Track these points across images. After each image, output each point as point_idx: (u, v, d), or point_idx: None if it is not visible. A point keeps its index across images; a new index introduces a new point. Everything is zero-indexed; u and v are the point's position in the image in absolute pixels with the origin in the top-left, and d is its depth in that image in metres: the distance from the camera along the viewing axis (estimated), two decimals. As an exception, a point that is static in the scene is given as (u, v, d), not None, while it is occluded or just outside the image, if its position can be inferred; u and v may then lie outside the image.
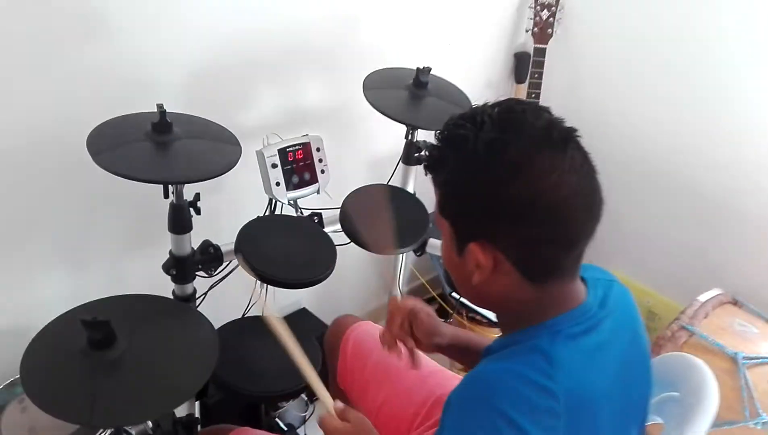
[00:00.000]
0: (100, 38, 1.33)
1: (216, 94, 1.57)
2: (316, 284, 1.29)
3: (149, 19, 1.39)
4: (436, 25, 2.04)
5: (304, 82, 1.76)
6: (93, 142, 1.16)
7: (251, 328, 1.31)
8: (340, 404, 0.94)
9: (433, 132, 0.85)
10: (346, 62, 1.78)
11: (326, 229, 1.52)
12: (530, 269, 0.79)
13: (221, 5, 1.48)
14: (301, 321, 1.98)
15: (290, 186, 1.52)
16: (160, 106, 1.21)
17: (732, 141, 1.97)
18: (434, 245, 1.65)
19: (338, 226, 1.51)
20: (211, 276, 1.44)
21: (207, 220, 1.36)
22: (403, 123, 1.54)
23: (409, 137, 1.68)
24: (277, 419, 1.74)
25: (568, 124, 0.80)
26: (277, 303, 1.95)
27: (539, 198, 0.74)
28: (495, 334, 1.13)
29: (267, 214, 1.56)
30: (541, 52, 2.18)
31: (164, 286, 1.39)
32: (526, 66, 2.27)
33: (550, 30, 2.17)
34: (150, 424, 1.13)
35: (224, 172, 1.19)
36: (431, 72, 1.60)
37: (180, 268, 1.34)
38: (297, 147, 1.52)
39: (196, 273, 1.40)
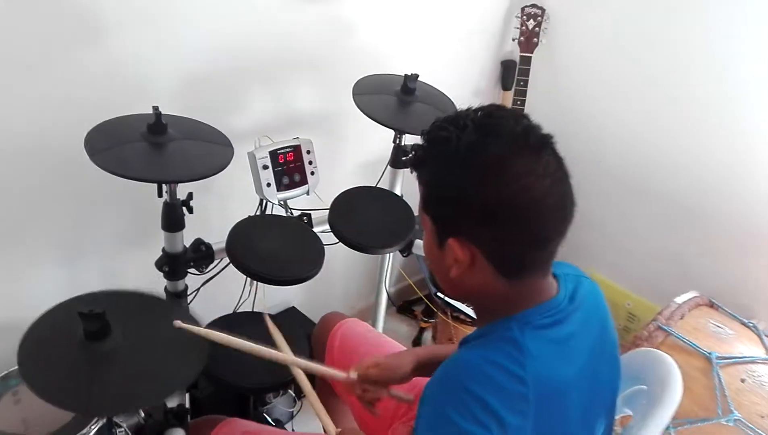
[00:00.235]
0: (98, 43, 1.37)
1: (210, 98, 1.61)
2: (304, 282, 1.33)
3: (145, 25, 1.43)
4: (426, 33, 2.08)
5: (295, 87, 1.80)
6: (90, 142, 1.20)
7: (240, 323, 1.35)
8: (339, 430, 1.00)
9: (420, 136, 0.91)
10: (337, 68, 1.83)
11: (315, 229, 1.57)
12: (504, 265, 0.84)
13: (215, 12, 1.52)
14: (290, 319, 2.03)
15: (281, 187, 1.57)
16: (155, 108, 1.26)
17: (707, 148, 2.03)
18: (420, 246, 1.70)
19: (327, 227, 1.56)
20: (202, 273, 1.48)
21: (199, 219, 1.41)
22: (391, 128, 1.59)
23: (397, 141, 1.73)
24: (265, 414, 1.78)
25: (546, 130, 0.85)
26: (267, 302, 1.99)
27: (513, 199, 0.79)
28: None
29: (258, 214, 1.60)
30: (526, 61, 2.24)
31: (157, 283, 1.44)
32: (512, 74, 2.33)
33: (535, 39, 2.23)
34: (142, 414, 1.17)
35: (217, 173, 1.23)
36: (420, 79, 1.66)
37: (172, 265, 1.39)
38: (288, 149, 1.57)
39: (188, 270, 1.44)
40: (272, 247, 1.37)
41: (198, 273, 1.47)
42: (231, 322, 1.36)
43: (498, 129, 0.81)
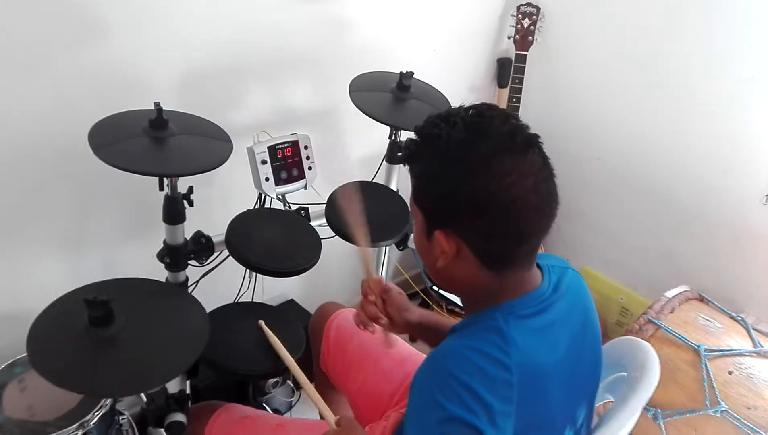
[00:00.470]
0: (100, 41, 1.41)
1: (210, 94, 1.65)
2: (301, 273, 1.37)
3: (147, 23, 1.47)
4: (422, 31, 2.12)
5: (294, 84, 1.84)
6: (94, 137, 1.24)
7: (239, 312, 1.40)
8: (337, 417, 1.04)
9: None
10: (335, 65, 1.86)
11: (313, 223, 1.60)
12: (488, 258, 0.88)
13: (215, 11, 1.56)
14: (288, 311, 2.07)
15: (279, 181, 1.61)
16: (157, 104, 1.29)
17: (700, 145, 2.07)
18: (415, 240, 1.74)
19: (324, 220, 1.60)
20: (202, 265, 1.52)
21: (200, 212, 1.45)
22: (387, 124, 1.62)
23: (393, 137, 1.76)
24: (264, 404, 1.82)
25: (533, 130, 0.88)
26: (266, 294, 2.04)
27: (498, 196, 0.83)
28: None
29: (256, 207, 1.64)
30: (522, 59, 2.27)
31: (158, 274, 1.47)
32: (508, 71, 2.36)
33: (530, 37, 2.26)
34: (144, 399, 1.21)
35: (216, 167, 1.27)
36: (416, 76, 1.69)
37: (173, 256, 1.42)
38: (286, 145, 1.61)
39: (189, 262, 1.48)
40: (270, 240, 1.41)
41: (198, 265, 1.51)
42: (230, 311, 1.40)
43: (487, 128, 0.85)
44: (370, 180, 1.84)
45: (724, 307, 1.97)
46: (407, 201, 1.73)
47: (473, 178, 0.83)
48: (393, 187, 1.83)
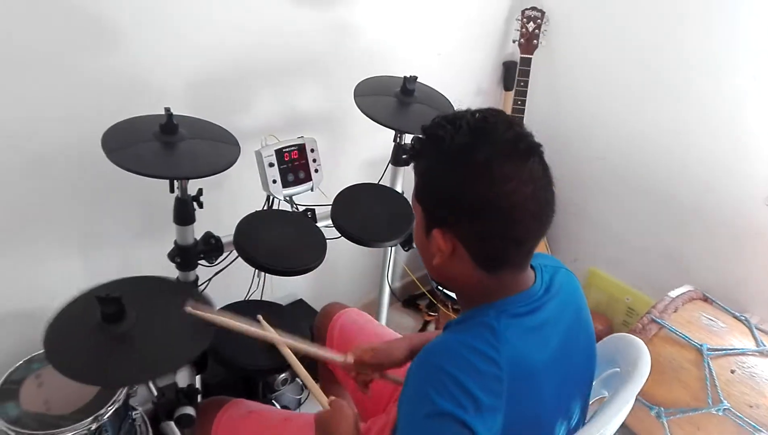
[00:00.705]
0: (112, 48, 1.46)
1: (220, 99, 1.70)
2: (305, 273, 1.41)
3: (159, 32, 1.52)
4: (428, 36, 2.16)
5: (301, 89, 1.88)
6: (107, 141, 1.29)
7: (247, 310, 1.44)
8: (331, 398, 1.08)
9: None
10: (342, 70, 1.90)
11: (319, 224, 1.64)
12: (482, 259, 0.90)
13: (225, 18, 1.61)
14: (297, 310, 2.11)
15: (286, 183, 1.65)
16: (167, 110, 1.34)
17: (702, 146, 2.08)
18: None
19: (330, 222, 1.64)
20: (212, 265, 1.57)
21: (210, 213, 1.49)
22: (391, 128, 1.66)
23: (397, 140, 1.80)
24: (273, 401, 1.86)
25: (537, 138, 0.90)
26: (276, 293, 2.08)
27: (496, 201, 0.86)
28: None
29: (264, 209, 1.68)
30: (526, 62, 2.30)
31: (169, 274, 1.52)
32: (513, 74, 2.39)
33: (535, 41, 2.29)
34: (155, 393, 1.26)
35: (224, 170, 1.31)
36: (422, 80, 1.72)
37: (184, 256, 1.47)
38: (292, 148, 1.65)
39: (199, 262, 1.52)
40: (277, 240, 1.45)
41: (208, 264, 1.56)
42: (239, 309, 1.44)
43: (490, 134, 0.87)
44: (376, 182, 1.87)
45: (728, 307, 1.99)
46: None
47: (474, 182, 0.86)
48: (398, 189, 1.87)
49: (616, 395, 0.95)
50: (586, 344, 1.02)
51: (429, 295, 2.39)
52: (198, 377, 1.60)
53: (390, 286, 2.06)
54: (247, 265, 1.42)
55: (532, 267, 0.97)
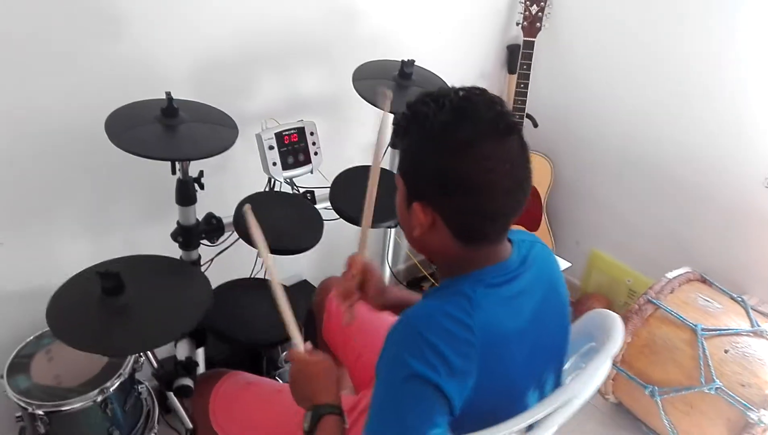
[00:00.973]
0: (118, 36, 1.51)
1: (223, 84, 1.74)
2: (303, 252, 1.46)
3: (162, 19, 1.56)
4: (431, 19, 2.17)
5: (303, 74, 1.92)
6: (110, 125, 1.34)
7: (247, 287, 1.49)
8: (309, 346, 1.10)
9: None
10: (344, 55, 1.92)
11: (319, 206, 1.69)
12: (460, 232, 0.94)
13: (227, 4, 1.64)
14: (301, 291, 2.16)
15: (286, 166, 1.69)
16: (168, 94, 1.39)
17: (705, 128, 2.09)
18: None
19: (329, 203, 1.68)
20: (214, 244, 1.62)
21: (214, 195, 1.55)
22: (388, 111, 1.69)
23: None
24: (277, 377, 1.91)
25: (516, 118, 0.94)
26: (281, 274, 2.13)
27: (474, 177, 0.89)
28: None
29: (263, 190, 1.72)
30: (529, 45, 2.31)
31: (172, 253, 1.57)
32: (517, 57, 2.40)
33: (538, 24, 2.30)
34: (155, 365, 1.32)
35: (222, 152, 1.36)
36: (426, 64, 1.74)
37: (186, 236, 1.52)
38: (292, 131, 1.69)
39: (201, 241, 1.58)
40: (275, 221, 1.50)
41: (210, 244, 1.61)
42: (243, 285, 1.49)
43: (472, 112, 0.90)
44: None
45: (727, 288, 2.00)
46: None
47: (455, 159, 0.89)
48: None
49: (591, 362, 0.99)
50: (559, 316, 1.05)
51: (430, 278, 2.43)
52: (201, 352, 1.67)
53: (390, 267, 2.10)
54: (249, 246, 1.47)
55: (510, 240, 1.01)
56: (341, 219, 1.64)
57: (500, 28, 2.43)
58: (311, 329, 1.56)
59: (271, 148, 1.65)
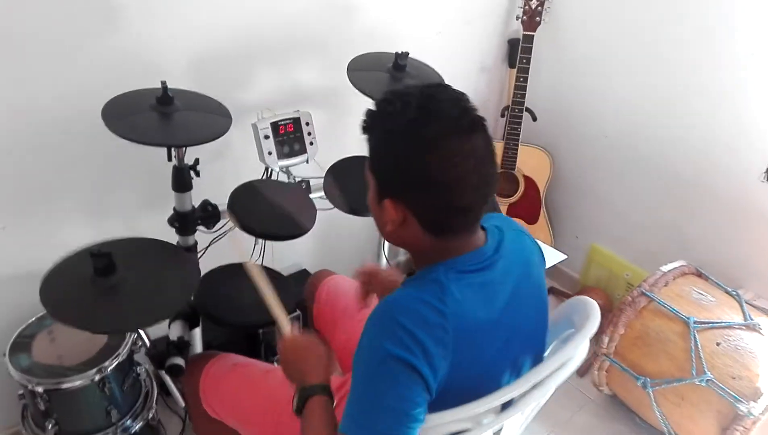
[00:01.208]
0: (117, 26, 1.55)
1: (221, 75, 1.78)
2: (295, 238, 1.49)
3: (161, 11, 1.60)
4: (432, 13, 2.19)
5: (302, 65, 1.95)
6: (107, 112, 1.38)
7: (239, 271, 1.52)
8: (296, 329, 1.14)
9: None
10: (343, 47, 1.92)
11: (313, 195, 1.72)
12: (430, 226, 0.97)
13: (224, -4, 1.68)
14: (301, 280, 2.19)
15: (281, 155, 1.72)
16: (163, 83, 1.43)
17: (703, 123, 2.09)
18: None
19: (323, 193, 1.70)
20: (210, 231, 1.66)
21: (212, 184, 1.59)
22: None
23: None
24: (275, 362, 1.95)
25: (480, 113, 0.95)
26: (281, 263, 2.17)
27: (440, 174, 0.91)
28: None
29: (258, 178, 1.76)
30: (529, 39, 2.32)
31: (171, 239, 1.62)
32: (518, 52, 2.42)
33: (538, 18, 2.31)
34: (148, 343, 1.36)
35: (215, 139, 1.39)
36: (424, 58, 1.76)
37: (182, 221, 1.56)
38: (288, 121, 1.72)
39: (197, 227, 1.61)
40: (268, 207, 1.53)
41: (207, 230, 1.64)
42: (238, 269, 1.53)
43: (436, 111, 0.92)
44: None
45: (723, 282, 2.00)
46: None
47: (420, 157, 0.91)
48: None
49: (568, 344, 1.01)
50: (535, 302, 1.07)
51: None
52: (198, 336, 1.71)
53: (386, 257, 2.13)
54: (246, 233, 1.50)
55: (483, 228, 1.03)
56: (335, 208, 1.67)
57: (501, 22, 2.45)
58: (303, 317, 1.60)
59: (266, 137, 1.69)
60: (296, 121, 1.73)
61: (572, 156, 2.50)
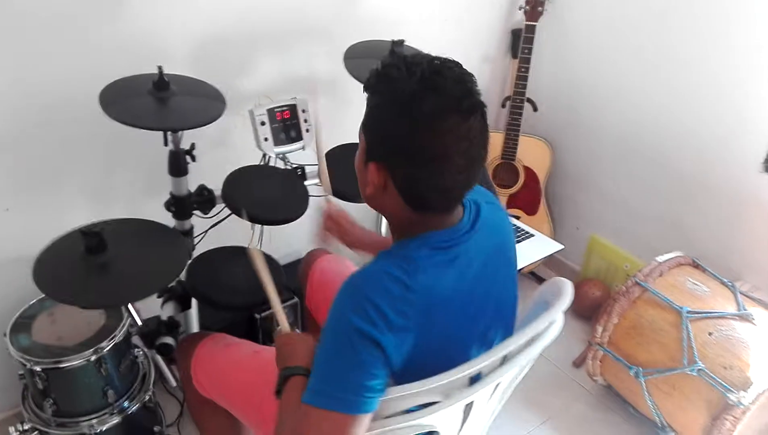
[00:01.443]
0: (122, 14, 1.59)
1: (222, 61, 1.81)
2: (287, 223, 1.51)
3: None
4: (434, 2, 2.20)
5: (303, 53, 1.97)
6: (104, 96, 1.41)
7: (232, 253, 1.55)
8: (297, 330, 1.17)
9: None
10: (345, 35, 1.93)
11: (308, 182, 1.74)
12: (409, 199, 0.98)
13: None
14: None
15: (278, 142, 1.74)
16: (159, 68, 1.46)
17: (705, 113, 2.08)
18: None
19: (318, 180, 1.73)
20: (207, 216, 1.68)
21: (211, 169, 1.62)
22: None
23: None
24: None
25: (482, 98, 0.94)
26: (280, 251, 2.19)
27: (429, 149, 0.92)
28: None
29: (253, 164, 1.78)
30: (531, 29, 2.33)
31: (167, 223, 1.65)
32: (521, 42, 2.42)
33: (540, 8, 2.31)
34: (140, 322, 1.39)
35: (207, 124, 1.41)
36: (428, 47, 1.75)
37: (178, 206, 1.59)
38: (284, 108, 1.74)
39: (194, 212, 1.64)
40: (261, 193, 1.55)
41: (203, 215, 1.67)
42: (235, 251, 1.56)
43: (439, 86, 0.91)
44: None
45: (722, 274, 2.00)
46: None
47: (414, 128, 0.92)
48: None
49: (540, 317, 1.02)
50: (506, 274, 1.09)
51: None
52: (195, 319, 1.74)
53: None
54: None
55: (462, 204, 1.04)
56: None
57: (504, 12, 2.45)
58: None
59: (263, 123, 1.71)
60: (293, 108, 1.75)
61: (573, 147, 2.50)
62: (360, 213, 2.34)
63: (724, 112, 2.03)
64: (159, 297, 1.50)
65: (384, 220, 2.12)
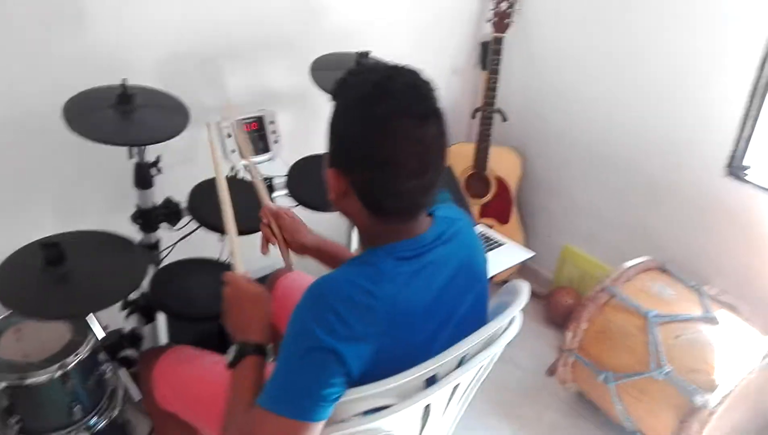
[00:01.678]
0: (88, 29, 1.60)
1: (187, 74, 1.82)
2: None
3: (127, 8, 1.64)
4: (402, 15, 2.24)
5: (269, 66, 1.99)
6: (68, 110, 1.41)
7: (196, 265, 1.55)
8: (249, 275, 1.14)
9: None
10: (312, 48, 1.92)
11: (277, 193, 1.75)
12: (368, 205, 0.98)
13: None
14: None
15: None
16: (123, 81, 1.46)
17: (669, 123, 2.12)
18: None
19: (287, 191, 1.73)
20: (175, 228, 1.68)
21: (180, 182, 1.63)
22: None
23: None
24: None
25: (438, 104, 0.95)
26: (256, 264, 2.18)
27: (381, 153, 0.93)
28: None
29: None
30: (499, 41, 2.36)
31: (135, 236, 1.64)
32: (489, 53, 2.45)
33: (507, 20, 2.34)
34: (103, 333, 1.38)
35: (171, 138, 1.42)
36: (398, 59, 1.76)
37: (144, 218, 1.59)
38: (251, 120, 1.76)
39: (160, 224, 1.64)
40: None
41: (171, 227, 1.67)
42: (186, 265, 1.56)
43: (390, 91, 0.92)
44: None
45: (689, 277, 2.02)
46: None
47: (366, 133, 0.93)
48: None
49: (496, 318, 1.03)
50: (475, 289, 1.09)
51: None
52: (164, 333, 1.73)
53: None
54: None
55: (432, 215, 1.05)
56: (300, 205, 1.70)
57: (473, 25, 2.49)
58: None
59: (229, 135, 1.72)
60: (260, 120, 1.77)
61: (543, 155, 2.53)
62: (331, 223, 2.36)
63: (689, 115, 2.07)
64: (123, 309, 1.49)
65: (355, 232, 2.13)
